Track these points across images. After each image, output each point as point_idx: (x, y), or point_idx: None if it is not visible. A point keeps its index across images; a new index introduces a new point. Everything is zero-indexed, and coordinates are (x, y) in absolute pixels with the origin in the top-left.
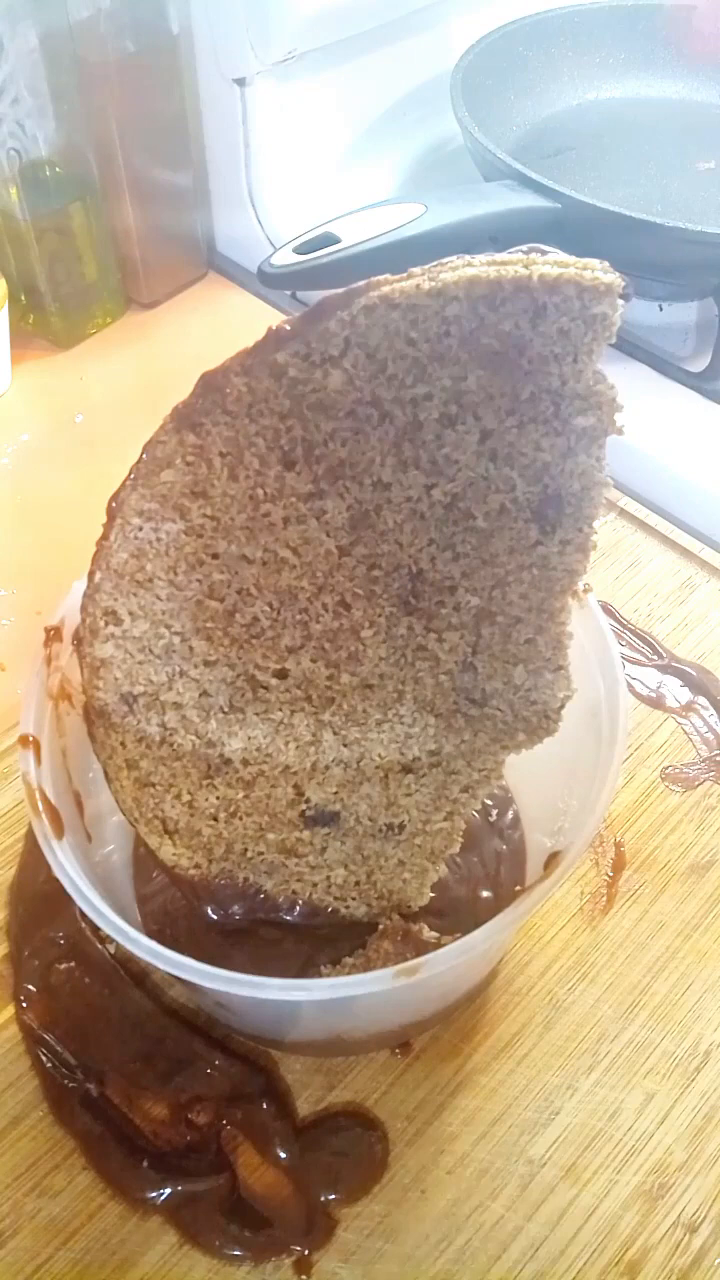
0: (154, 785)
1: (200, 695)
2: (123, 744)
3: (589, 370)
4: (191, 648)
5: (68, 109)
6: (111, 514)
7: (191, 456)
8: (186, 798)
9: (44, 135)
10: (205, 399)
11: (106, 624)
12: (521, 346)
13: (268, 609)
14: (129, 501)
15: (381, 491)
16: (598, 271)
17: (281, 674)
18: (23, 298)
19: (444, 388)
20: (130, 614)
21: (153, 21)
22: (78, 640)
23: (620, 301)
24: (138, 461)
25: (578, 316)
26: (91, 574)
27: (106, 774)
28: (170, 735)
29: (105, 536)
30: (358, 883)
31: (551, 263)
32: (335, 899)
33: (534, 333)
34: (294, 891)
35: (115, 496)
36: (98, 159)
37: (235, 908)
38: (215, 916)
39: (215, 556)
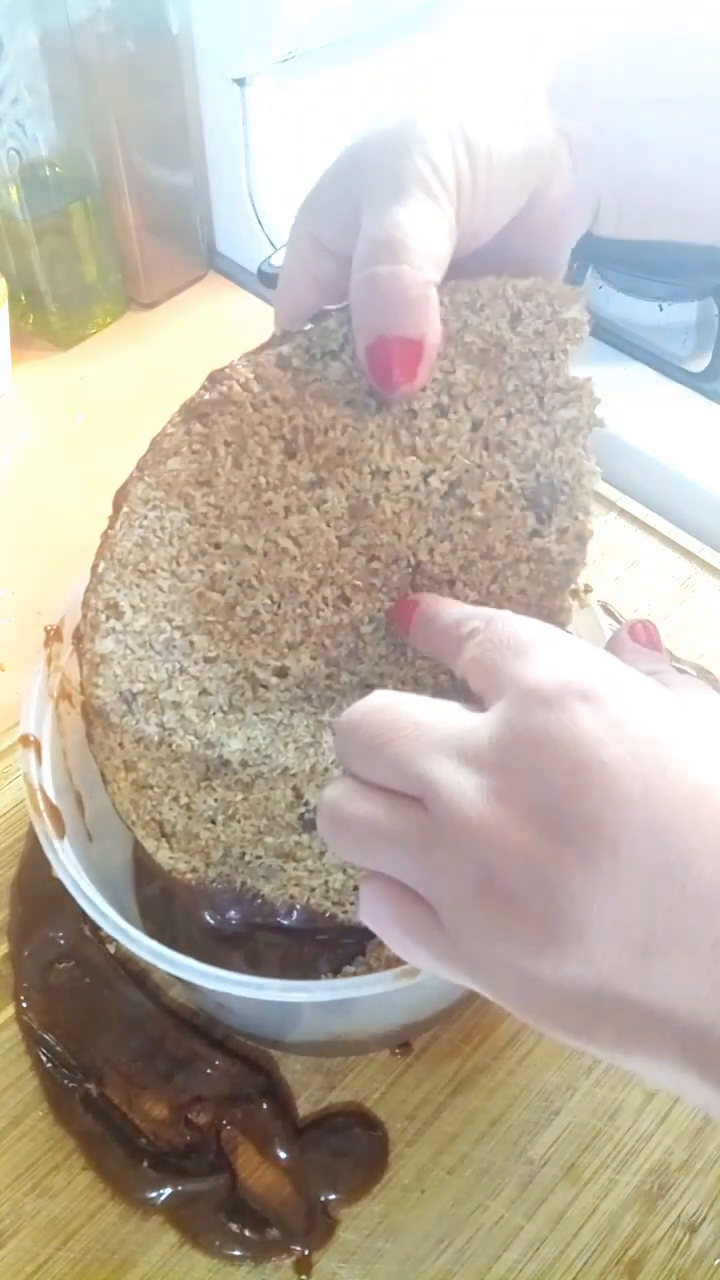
0: (152, 787)
1: (200, 694)
2: (120, 744)
3: (566, 367)
4: (192, 642)
5: (68, 109)
6: (117, 506)
7: (198, 445)
8: (184, 800)
9: (44, 135)
10: (213, 391)
11: (108, 617)
12: (503, 345)
13: (268, 602)
14: (135, 491)
15: (380, 480)
16: (563, 281)
17: (281, 672)
18: (23, 298)
19: (435, 379)
20: (132, 606)
21: (153, 21)
22: (78, 637)
23: (585, 313)
24: (145, 454)
25: (551, 320)
26: (95, 566)
27: (104, 775)
28: (169, 735)
29: (110, 527)
30: (356, 887)
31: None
32: (334, 904)
33: (513, 333)
34: (292, 896)
35: (121, 490)
36: (98, 159)
37: (233, 913)
38: (212, 922)
39: (217, 546)
